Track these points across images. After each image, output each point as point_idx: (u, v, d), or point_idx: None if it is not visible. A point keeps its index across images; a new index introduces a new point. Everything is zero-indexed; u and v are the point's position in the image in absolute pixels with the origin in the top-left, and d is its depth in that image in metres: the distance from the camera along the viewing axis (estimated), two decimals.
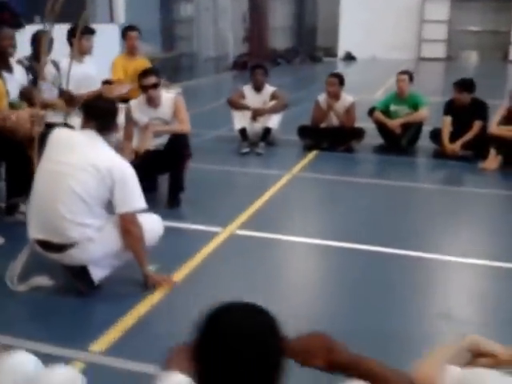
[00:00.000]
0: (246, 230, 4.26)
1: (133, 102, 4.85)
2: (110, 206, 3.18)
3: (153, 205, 4.66)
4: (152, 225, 3.39)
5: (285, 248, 4.11)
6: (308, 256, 4.10)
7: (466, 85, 6.31)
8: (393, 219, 4.63)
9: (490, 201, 5.20)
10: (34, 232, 3.14)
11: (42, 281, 3.25)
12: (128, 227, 3.16)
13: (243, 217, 4.52)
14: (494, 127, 5.98)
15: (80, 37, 5.19)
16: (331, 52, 19.93)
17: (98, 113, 3.25)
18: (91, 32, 5.54)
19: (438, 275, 3.59)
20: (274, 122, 6.71)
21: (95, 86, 5.59)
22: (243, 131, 6.63)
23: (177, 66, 14.90)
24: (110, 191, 3.10)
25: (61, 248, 3.09)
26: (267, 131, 6.67)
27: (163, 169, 4.77)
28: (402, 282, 3.50)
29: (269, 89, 6.95)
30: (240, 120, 6.67)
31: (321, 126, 6.76)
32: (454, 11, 18.66)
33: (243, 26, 17.37)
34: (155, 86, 4.64)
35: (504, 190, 5.45)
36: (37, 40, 5.06)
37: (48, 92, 4.96)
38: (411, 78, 6.64)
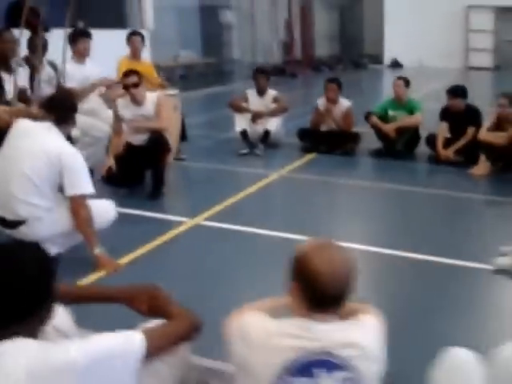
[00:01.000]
0: (211, 221, 4.57)
1: (120, 100, 5.26)
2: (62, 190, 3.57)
3: (138, 196, 5.13)
4: (104, 209, 3.78)
5: (245, 239, 4.33)
6: (265, 248, 4.23)
7: (458, 91, 6.38)
8: (363, 218, 4.84)
9: (466, 205, 5.26)
10: None
11: None
12: (76, 209, 3.54)
13: (214, 210, 4.84)
14: (483, 133, 6.02)
15: (76, 40, 5.71)
16: (377, 59, 19.93)
17: (57, 106, 3.65)
18: (87, 35, 5.96)
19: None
20: (273, 124, 6.99)
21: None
22: (243, 133, 6.93)
23: (216, 71, 15.39)
24: (59, 175, 3.48)
25: (14, 225, 3.50)
26: (267, 133, 6.95)
27: (144, 163, 5.13)
28: None
29: (271, 93, 7.25)
30: (241, 122, 6.98)
31: (320, 130, 6.98)
32: (499, 21, 18.29)
33: (286, 33, 17.69)
34: (136, 85, 5.03)
35: (481, 195, 5.51)
36: (30, 43, 5.52)
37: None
38: (407, 84, 6.76)
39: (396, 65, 19.31)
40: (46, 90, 5.57)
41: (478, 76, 16.91)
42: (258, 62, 16.48)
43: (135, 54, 6.62)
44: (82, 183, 3.57)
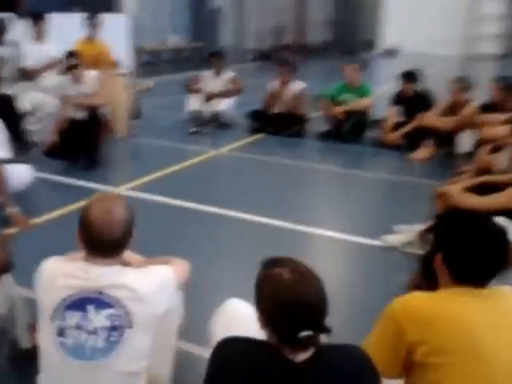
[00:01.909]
0: (134, 191, 4.92)
1: (63, 78, 5.64)
2: None
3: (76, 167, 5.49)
4: (21, 173, 4.16)
5: (159, 208, 4.64)
6: (179, 218, 4.52)
7: (410, 76, 6.62)
8: (283, 195, 5.05)
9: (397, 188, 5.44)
10: None
11: None
12: None
13: (140, 181, 5.19)
14: (430, 117, 6.14)
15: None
16: (371, 46, 19.96)
17: None
18: (41, 18, 6.36)
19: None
20: (224, 105, 7.31)
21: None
22: (195, 112, 7.26)
23: (203, 56, 15.65)
24: None
25: None
26: (218, 114, 7.28)
27: (81, 136, 5.49)
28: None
29: (228, 74, 7.57)
30: (193, 103, 7.31)
31: (270, 111, 7.29)
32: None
33: (277, 19, 17.89)
34: (75, 66, 5.41)
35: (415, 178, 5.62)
36: None
37: None
38: (362, 68, 7.01)
39: (389, 53, 19.34)
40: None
41: (484, 65, 16.32)
42: (246, 48, 16.77)
43: (90, 38, 6.98)
44: None
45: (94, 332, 1.84)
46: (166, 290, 2.02)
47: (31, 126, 5.90)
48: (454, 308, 1.76)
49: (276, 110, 7.29)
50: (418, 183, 5.39)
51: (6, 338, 2.51)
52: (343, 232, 4.19)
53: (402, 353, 1.74)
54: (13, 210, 4.05)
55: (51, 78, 6.35)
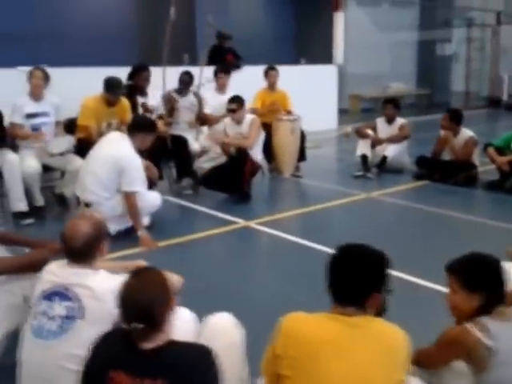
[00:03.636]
0: (260, 226, 5.39)
1: (226, 120, 6.51)
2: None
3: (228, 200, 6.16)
4: (151, 200, 5.01)
5: (279, 245, 4.99)
6: (295, 256, 4.82)
7: None
8: (430, 248, 4.77)
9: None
10: (78, 192, 5.08)
11: None
12: (128, 201, 4.83)
13: (272, 217, 5.66)
14: None
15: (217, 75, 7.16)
16: None
17: (134, 125, 5.05)
18: (226, 72, 7.35)
19: None
20: (390, 151, 7.39)
21: None
22: (363, 157, 7.48)
23: (428, 102, 15.58)
24: (119, 175, 4.80)
25: (87, 205, 4.93)
26: (384, 159, 7.39)
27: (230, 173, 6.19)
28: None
29: (399, 121, 7.65)
30: (362, 147, 7.53)
31: (438, 158, 7.16)
32: None
33: None
34: (233, 110, 6.21)
35: None
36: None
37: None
38: None
39: None
40: (188, 114, 7.07)
41: None
42: (480, 94, 16.13)
43: (271, 86, 7.74)
44: (135, 183, 4.83)
45: (52, 318, 2.38)
46: None
47: (201, 164, 6.81)
48: (309, 328, 1.97)
49: (445, 157, 7.13)
50: None
51: None
52: None
53: (273, 363, 2.00)
54: (142, 233, 4.87)
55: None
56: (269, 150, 7.39)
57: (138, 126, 5.06)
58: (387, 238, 4.82)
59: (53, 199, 6.01)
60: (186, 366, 1.87)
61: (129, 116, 6.03)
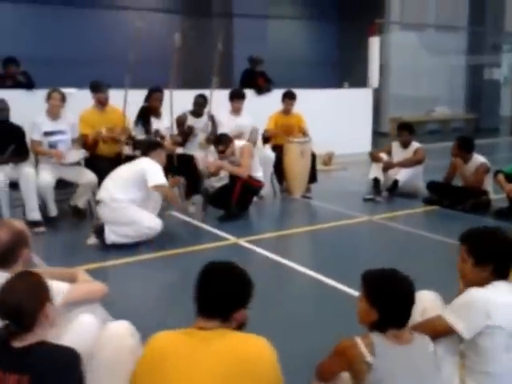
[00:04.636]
0: (249, 244, 5.58)
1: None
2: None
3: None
4: (153, 225, 5.50)
5: (265, 265, 5.09)
6: (275, 275, 4.98)
7: None
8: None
9: None
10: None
11: None
12: (162, 193, 5.53)
13: (262, 236, 5.85)
14: None
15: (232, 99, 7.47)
16: None
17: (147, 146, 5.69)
18: (240, 97, 7.64)
19: None
20: (402, 175, 7.41)
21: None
22: (375, 180, 7.54)
23: (475, 127, 15.30)
24: (143, 177, 5.33)
25: (97, 202, 5.50)
26: (395, 183, 7.42)
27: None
28: None
29: (414, 145, 7.66)
30: (375, 170, 7.59)
31: (449, 184, 7.13)
32: None
33: None
34: (222, 151, 6.46)
35: None
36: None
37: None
38: None
39: None
40: (201, 135, 7.41)
41: None
42: None
43: (287, 111, 7.97)
44: (158, 177, 5.34)
45: None
46: None
47: (213, 183, 7.11)
48: (163, 345, 2.15)
49: (459, 183, 7.10)
50: None
51: None
52: None
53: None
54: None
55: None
56: (280, 171, 7.62)
57: (150, 145, 5.76)
58: (369, 260, 4.81)
59: (68, 211, 6.48)
60: (50, 366, 2.08)
61: (123, 120, 6.75)
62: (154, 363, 2.09)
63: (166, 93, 6.87)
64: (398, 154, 7.70)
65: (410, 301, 2.31)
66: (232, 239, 5.71)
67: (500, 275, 2.54)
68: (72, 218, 6.39)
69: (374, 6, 13.85)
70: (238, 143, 6.57)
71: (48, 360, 2.10)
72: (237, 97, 7.61)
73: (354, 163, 10.11)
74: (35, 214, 6.00)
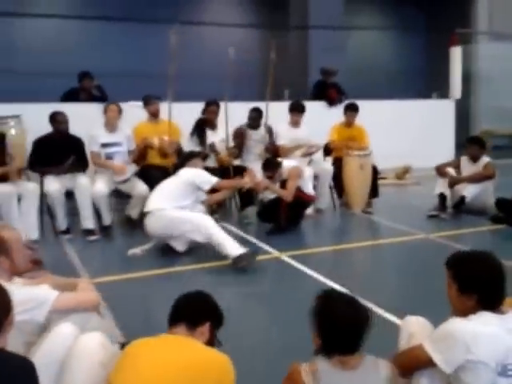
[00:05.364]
0: (292, 259, 5.42)
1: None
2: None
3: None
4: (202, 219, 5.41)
5: (300, 280, 4.92)
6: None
7: None
8: None
9: None
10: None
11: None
12: (219, 189, 5.75)
13: (310, 250, 5.71)
14: None
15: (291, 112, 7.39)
16: None
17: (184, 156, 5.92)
18: (299, 110, 7.46)
19: None
20: (470, 191, 6.92)
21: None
22: (441, 196, 7.10)
23: None
24: (194, 184, 5.51)
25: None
26: (462, 199, 6.95)
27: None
28: None
29: (484, 160, 7.16)
30: (441, 186, 7.16)
31: None
32: None
33: None
34: (271, 177, 6.31)
35: None
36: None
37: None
38: None
39: None
40: (259, 147, 7.36)
41: None
42: None
43: (349, 123, 7.76)
44: (208, 179, 5.55)
45: None
46: (33, 303, 2.77)
47: (268, 195, 7.01)
48: (134, 345, 2.33)
49: None
50: None
51: None
52: None
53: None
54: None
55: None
56: (339, 184, 7.40)
57: (188, 155, 5.99)
58: (403, 282, 4.82)
59: (123, 220, 6.66)
60: (2, 374, 2.10)
61: (176, 131, 7.03)
62: (124, 362, 2.25)
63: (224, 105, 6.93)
64: (467, 168, 7.22)
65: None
66: (275, 253, 5.58)
67: (487, 305, 2.26)
68: (126, 227, 6.54)
69: (461, 16, 13.23)
70: (288, 164, 6.41)
71: (2, 368, 2.10)
72: (296, 110, 7.48)
73: (431, 177, 9.60)
74: (89, 223, 6.21)
